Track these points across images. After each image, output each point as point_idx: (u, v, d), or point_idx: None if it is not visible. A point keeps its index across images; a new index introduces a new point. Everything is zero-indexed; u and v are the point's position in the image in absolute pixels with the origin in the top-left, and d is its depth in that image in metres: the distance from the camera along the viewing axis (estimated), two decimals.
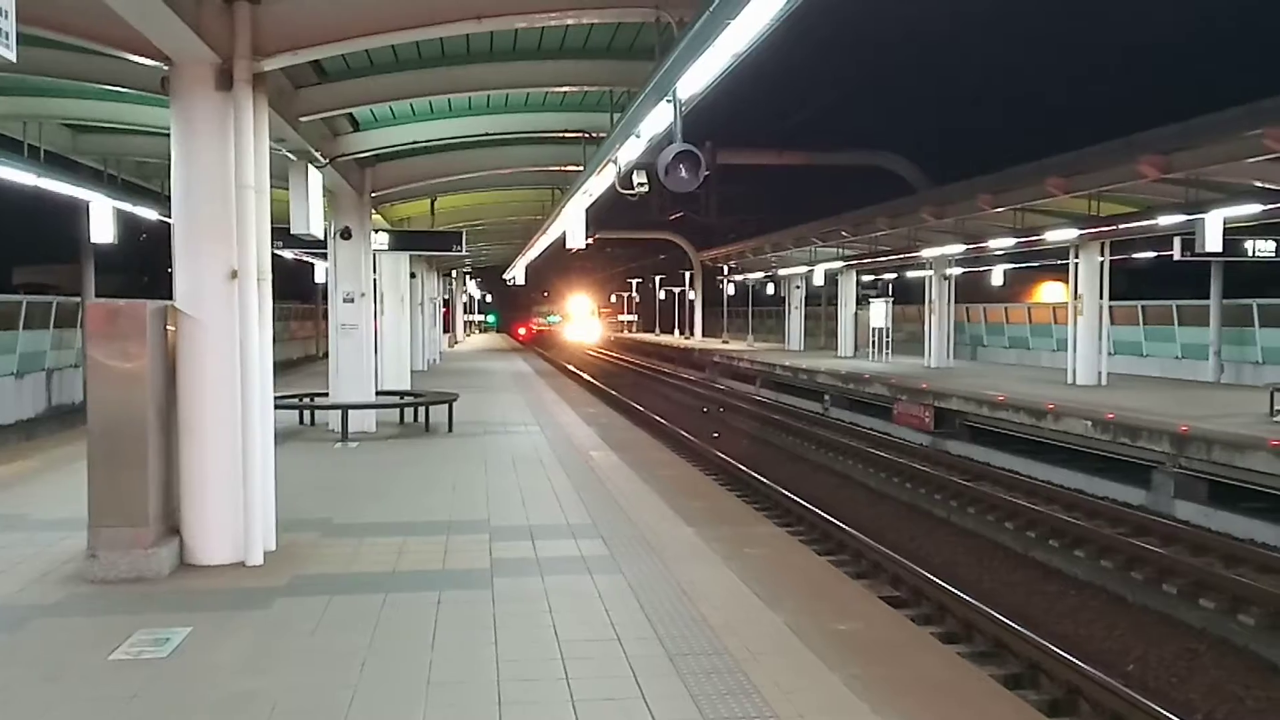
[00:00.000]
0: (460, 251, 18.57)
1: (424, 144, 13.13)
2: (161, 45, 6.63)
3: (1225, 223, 16.45)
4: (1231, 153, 13.47)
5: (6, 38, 3.89)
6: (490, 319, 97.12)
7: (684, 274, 61.84)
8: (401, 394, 16.59)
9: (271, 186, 7.34)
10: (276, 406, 8.32)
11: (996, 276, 31.91)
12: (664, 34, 7.33)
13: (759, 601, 6.18)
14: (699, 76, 6.75)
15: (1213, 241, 16.33)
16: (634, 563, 7.04)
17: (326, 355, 15.30)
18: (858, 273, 34.61)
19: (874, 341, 32.54)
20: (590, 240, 15.66)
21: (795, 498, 13.95)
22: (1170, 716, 6.73)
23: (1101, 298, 21.72)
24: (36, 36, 6.85)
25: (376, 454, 12.53)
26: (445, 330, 46.00)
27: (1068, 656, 7.70)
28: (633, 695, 4.68)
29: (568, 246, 15.84)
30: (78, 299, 19.91)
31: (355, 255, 14.34)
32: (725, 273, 47.45)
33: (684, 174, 7.11)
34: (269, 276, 7.17)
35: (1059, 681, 7.52)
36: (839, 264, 33.45)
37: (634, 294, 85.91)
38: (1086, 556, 11.29)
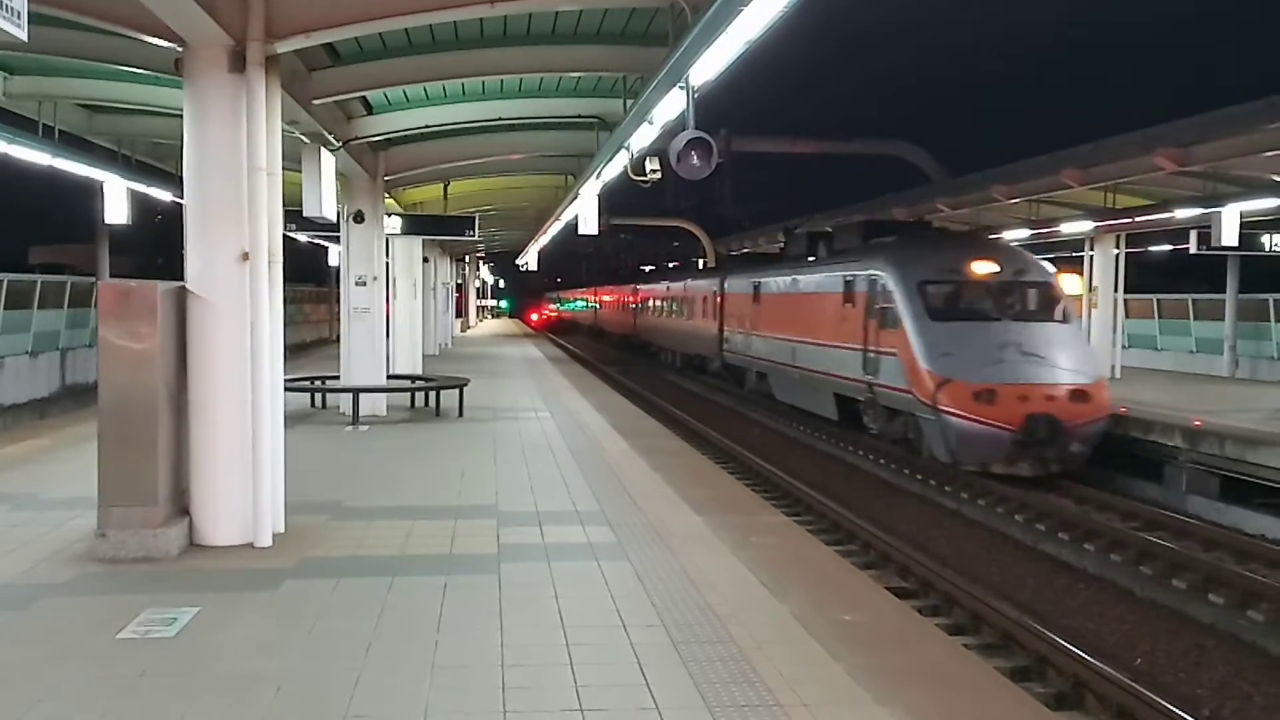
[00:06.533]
0: (472, 236, 18.58)
1: (437, 128, 13.13)
2: (175, 26, 6.63)
3: (1242, 216, 16.33)
4: (1250, 146, 13.36)
5: (18, 17, 3.90)
6: (504, 304, 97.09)
7: (698, 262, 61.63)
8: (413, 378, 16.64)
9: (284, 169, 7.35)
10: (287, 389, 8.35)
11: None
12: (678, 20, 7.31)
13: (765, 590, 6.18)
14: (712, 63, 6.74)
15: (1229, 235, 16.20)
16: (641, 550, 7.05)
17: (339, 339, 15.34)
18: None
19: None
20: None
21: (804, 488, 13.93)
22: (1178, 712, 6.71)
23: (1116, 290, 21.61)
24: (50, 16, 6.87)
25: (387, 438, 12.57)
26: (458, 315, 46.07)
27: (1075, 650, 7.68)
28: (637, 682, 4.69)
29: (580, 232, 15.83)
30: (92, 279, 19.99)
31: (368, 239, 14.36)
32: None
33: (696, 161, 7.11)
34: (280, 259, 7.18)
35: (1065, 674, 7.50)
36: None
37: None
38: (1096, 550, 11.23)
